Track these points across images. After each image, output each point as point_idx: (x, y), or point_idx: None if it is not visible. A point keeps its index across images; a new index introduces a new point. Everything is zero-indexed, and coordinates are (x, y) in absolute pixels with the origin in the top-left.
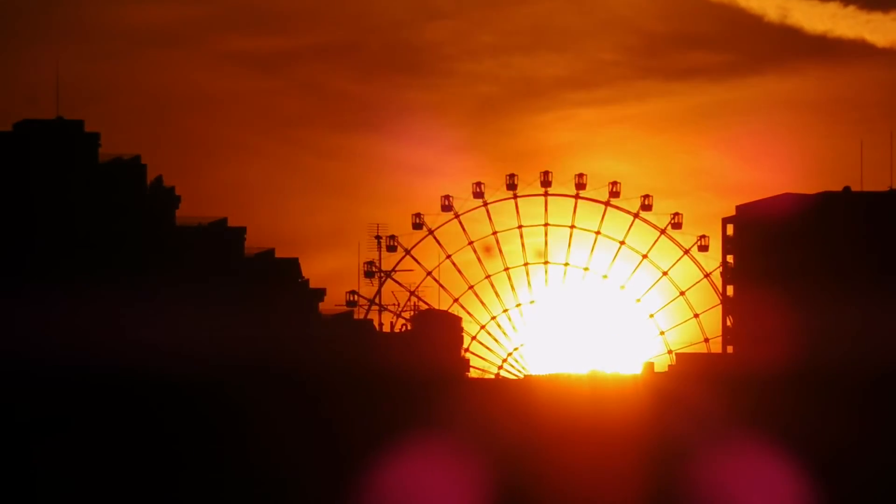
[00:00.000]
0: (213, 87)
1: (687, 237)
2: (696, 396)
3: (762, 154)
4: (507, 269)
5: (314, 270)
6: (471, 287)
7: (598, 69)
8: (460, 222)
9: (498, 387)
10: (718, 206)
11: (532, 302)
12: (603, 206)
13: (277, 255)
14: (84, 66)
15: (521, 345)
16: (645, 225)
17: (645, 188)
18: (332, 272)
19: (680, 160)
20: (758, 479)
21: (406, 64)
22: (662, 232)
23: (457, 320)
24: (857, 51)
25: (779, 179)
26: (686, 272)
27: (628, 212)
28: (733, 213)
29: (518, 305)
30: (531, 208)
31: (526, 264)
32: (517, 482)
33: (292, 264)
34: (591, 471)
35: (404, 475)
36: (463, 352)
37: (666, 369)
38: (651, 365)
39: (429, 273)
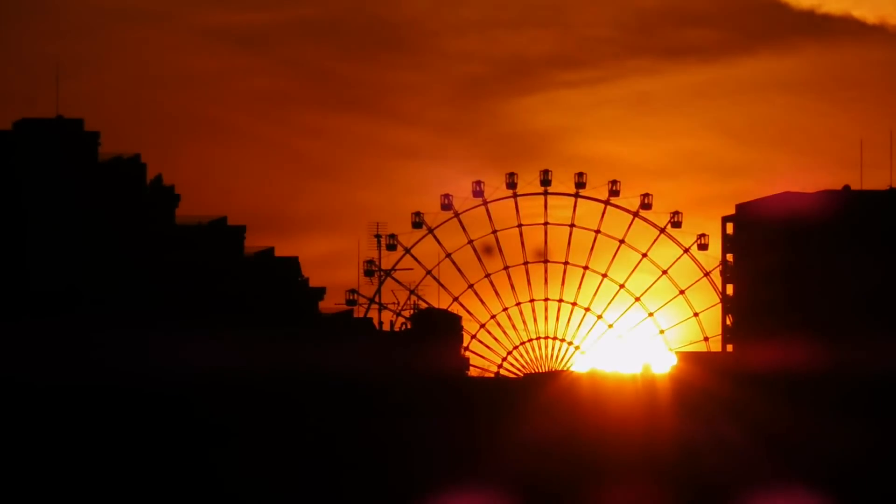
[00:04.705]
0: (193, 64)
1: (687, 236)
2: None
3: (758, 134)
4: (506, 267)
5: (304, 254)
6: (470, 286)
7: (588, 47)
8: (460, 221)
9: (500, 386)
10: (715, 189)
11: (532, 300)
12: (602, 205)
13: (272, 243)
14: (63, 45)
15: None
16: (644, 223)
17: (639, 171)
18: (325, 256)
19: (674, 141)
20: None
21: (389, 40)
22: (662, 231)
23: (456, 319)
24: (846, 27)
25: (775, 160)
26: (686, 271)
27: (628, 210)
28: (730, 196)
29: (518, 304)
30: (531, 207)
31: (526, 263)
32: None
33: (292, 263)
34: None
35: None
36: (463, 350)
37: (670, 370)
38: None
39: (428, 272)
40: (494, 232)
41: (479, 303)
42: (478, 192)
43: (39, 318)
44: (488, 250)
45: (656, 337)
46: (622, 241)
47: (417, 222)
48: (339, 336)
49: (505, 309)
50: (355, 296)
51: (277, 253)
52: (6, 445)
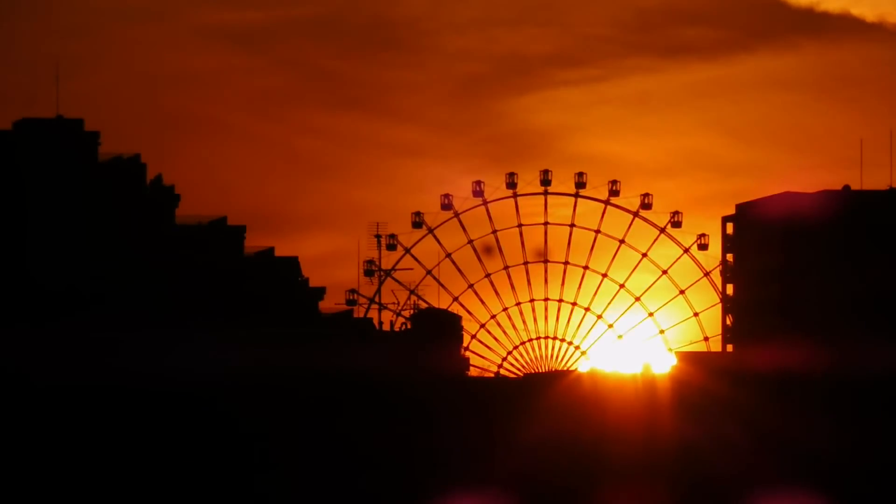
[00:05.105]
0: (193, 64)
1: (687, 236)
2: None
3: (757, 134)
4: (506, 267)
5: (304, 254)
6: (470, 286)
7: (588, 45)
8: (460, 221)
9: (500, 386)
10: (715, 189)
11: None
12: (603, 205)
13: (272, 243)
14: (63, 45)
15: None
16: (644, 223)
17: (639, 170)
18: (325, 256)
19: (674, 141)
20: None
21: (389, 39)
22: (662, 231)
23: (456, 319)
24: (845, 25)
25: (775, 160)
26: (686, 271)
27: (628, 210)
28: (730, 196)
29: (518, 304)
30: (531, 207)
31: (526, 263)
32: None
33: (292, 263)
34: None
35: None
36: (463, 350)
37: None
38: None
39: (428, 272)
40: (494, 232)
41: (479, 303)
42: (478, 192)
43: (39, 318)
44: (488, 250)
45: (656, 337)
46: (622, 241)
47: (417, 222)
48: (339, 336)
49: (505, 309)
50: (355, 296)
51: (277, 253)
52: (7, 446)
